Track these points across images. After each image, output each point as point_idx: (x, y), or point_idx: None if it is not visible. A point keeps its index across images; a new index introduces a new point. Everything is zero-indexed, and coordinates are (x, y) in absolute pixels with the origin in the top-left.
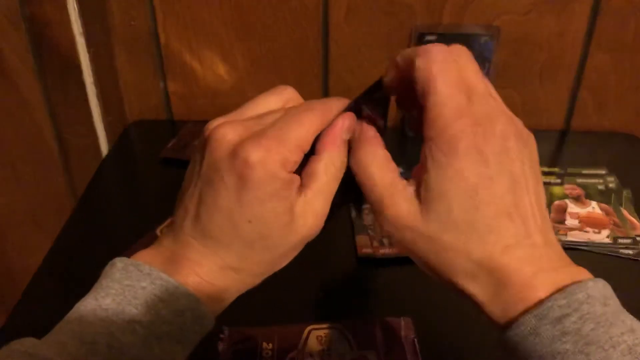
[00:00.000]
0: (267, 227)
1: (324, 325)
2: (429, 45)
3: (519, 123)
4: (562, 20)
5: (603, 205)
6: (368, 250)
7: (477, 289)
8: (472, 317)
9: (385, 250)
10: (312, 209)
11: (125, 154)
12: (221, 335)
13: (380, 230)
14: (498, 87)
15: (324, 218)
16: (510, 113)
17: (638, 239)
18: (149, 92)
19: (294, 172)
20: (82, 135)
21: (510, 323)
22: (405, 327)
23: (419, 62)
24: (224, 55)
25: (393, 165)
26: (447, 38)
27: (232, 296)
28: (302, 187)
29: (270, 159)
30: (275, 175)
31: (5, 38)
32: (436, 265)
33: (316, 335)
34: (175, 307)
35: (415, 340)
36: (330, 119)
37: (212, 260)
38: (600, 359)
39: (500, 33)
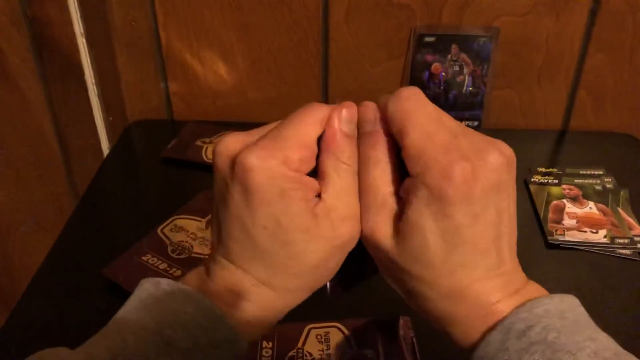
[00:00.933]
0: (284, 231)
1: (323, 324)
2: (399, 90)
3: (504, 148)
4: (560, 21)
5: (600, 205)
6: None
7: (443, 314)
8: None
9: None
10: (336, 211)
11: (126, 154)
12: None
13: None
14: (497, 88)
15: (356, 220)
16: (495, 140)
17: (635, 239)
18: (150, 92)
19: (311, 176)
20: (83, 135)
21: (478, 343)
22: (404, 326)
23: (392, 104)
24: (225, 56)
25: (394, 177)
26: (446, 39)
27: (274, 315)
28: (321, 191)
29: (269, 158)
30: (277, 174)
31: (7, 38)
32: (405, 290)
33: (315, 334)
34: (213, 338)
35: (414, 339)
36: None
37: (244, 277)
38: None
39: (499, 34)
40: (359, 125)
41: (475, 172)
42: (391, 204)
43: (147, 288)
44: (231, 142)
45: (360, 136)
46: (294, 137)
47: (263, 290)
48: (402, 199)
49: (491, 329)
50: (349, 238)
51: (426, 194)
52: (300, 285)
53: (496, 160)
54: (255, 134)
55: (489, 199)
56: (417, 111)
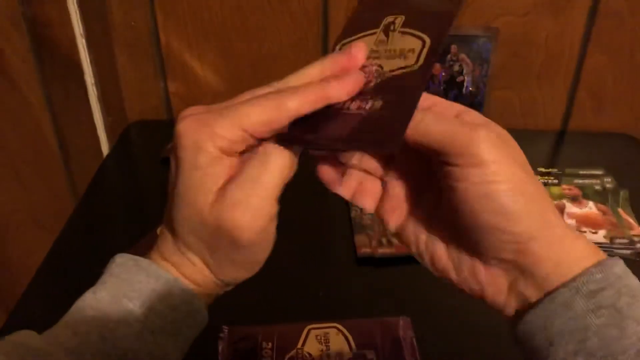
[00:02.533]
0: (193, 203)
1: (323, 325)
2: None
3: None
4: (560, 21)
5: (600, 205)
6: (367, 250)
7: (512, 258)
8: (471, 317)
9: (384, 250)
10: (245, 199)
11: (125, 154)
12: (221, 335)
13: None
14: (496, 88)
15: (262, 215)
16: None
17: (635, 239)
18: (150, 92)
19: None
20: (82, 135)
21: (537, 302)
22: (403, 326)
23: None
24: (224, 56)
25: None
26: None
27: (210, 277)
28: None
29: (200, 131)
30: (199, 147)
31: (7, 39)
32: (507, 211)
33: (315, 334)
34: (170, 302)
35: (414, 339)
36: (289, 106)
37: (176, 242)
38: (635, 333)
39: (499, 34)
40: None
41: (499, 133)
42: None
43: (106, 267)
44: (188, 110)
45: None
46: (235, 117)
47: (189, 253)
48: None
49: (560, 286)
50: (249, 228)
51: (463, 170)
52: (220, 257)
53: (500, 129)
54: (215, 106)
55: (520, 157)
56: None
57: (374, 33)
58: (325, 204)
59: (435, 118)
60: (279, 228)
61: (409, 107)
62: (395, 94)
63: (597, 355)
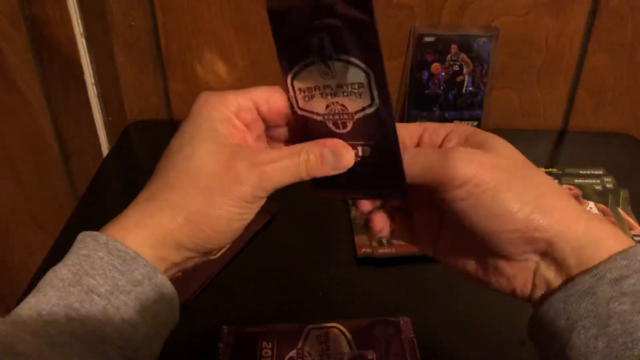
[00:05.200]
0: (198, 160)
1: (323, 325)
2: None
3: None
4: (560, 21)
5: (600, 205)
6: (367, 250)
7: (573, 215)
8: (471, 317)
9: (384, 250)
10: (255, 177)
11: (125, 154)
12: (220, 334)
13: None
14: (496, 88)
15: (263, 187)
16: None
17: (635, 239)
18: (149, 92)
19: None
20: (82, 135)
21: (559, 287)
22: (404, 326)
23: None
24: (224, 55)
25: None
26: (445, 39)
27: (176, 245)
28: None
29: (213, 95)
30: (211, 106)
31: (6, 38)
32: (532, 197)
33: (315, 334)
34: (132, 277)
35: (414, 339)
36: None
37: (144, 207)
38: None
39: (499, 34)
40: None
41: None
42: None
43: (71, 247)
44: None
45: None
46: (245, 91)
47: (162, 216)
48: None
49: (584, 272)
50: (247, 200)
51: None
52: (196, 219)
53: (485, 135)
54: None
55: (505, 159)
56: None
57: (313, 62)
58: (325, 204)
59: (411, 158)
60: (279, 228)
61: (395, 152)
62: (375, 140)
63: (618, 340)
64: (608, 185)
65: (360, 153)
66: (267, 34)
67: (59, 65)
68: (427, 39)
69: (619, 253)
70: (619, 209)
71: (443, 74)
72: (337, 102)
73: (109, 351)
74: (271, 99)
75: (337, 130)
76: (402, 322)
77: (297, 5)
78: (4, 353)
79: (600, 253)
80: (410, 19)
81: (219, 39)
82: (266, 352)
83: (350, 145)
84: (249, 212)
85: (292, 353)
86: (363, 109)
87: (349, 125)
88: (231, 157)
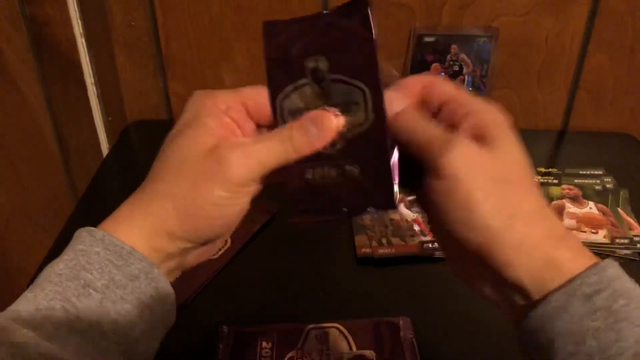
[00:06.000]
0: (184, 149)
1: (323, 325)
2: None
3: None
4: (560, 21)
5: (600, 205)
6: (367, 251)
7: (544, 232)
8: (470, 317)
9: (384, 250)
10: (239, 157)
11: (125, 154)
12: (220, 334)
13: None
14: (496, 88)
15: (252, 170)
16: None
17: (635, 239)
18: (149, 92)
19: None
20: (82, 135)
21: (537, 302)
22: (403, 326)
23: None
24: (224, 55)
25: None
26: (445, 39)
27: (171, 238)
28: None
29: (204, 93)
30: (202, 103)
31: (6, 38)
32: (505, 204)
33: (315, 334)
34: (128, 272)
35: (414, 340)
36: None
37: (141, 201)
38: (632, 335)
39: (499, 34)
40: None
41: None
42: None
43: (69, 243)
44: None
45: (391, 119)
46: (235, 91)
47: (151, 206)
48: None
49: (555, 289)
50: (237, 188)
51: (498, 119)
52: (190, 211)
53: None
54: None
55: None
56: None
57: (306, 84)
58: None
59: (414, 122)
60: (279, 228)
61: (386, 168)
62: (366, 158)
63: (595, 357)
64: (608, 185)
65: (350, 170)
66: None
67: (59, 65)
68: (427, 39)
69: (589, 268)
70: (619, 209)
71: (443, 74)
72: None
73: (106, 345)
74: (257, 98)
75: (326, 151)
76: (401, 322)
77: (294, 26)
78: (2, 344)
79: (568, 268)
80: (410, 19)
81: (219, 39)
82: (266, 352)
83: (340, 163)
84: (238, 198)
85: (292, 353)
86: (359, 125)
87: (339, 144)
88: (216, 145)
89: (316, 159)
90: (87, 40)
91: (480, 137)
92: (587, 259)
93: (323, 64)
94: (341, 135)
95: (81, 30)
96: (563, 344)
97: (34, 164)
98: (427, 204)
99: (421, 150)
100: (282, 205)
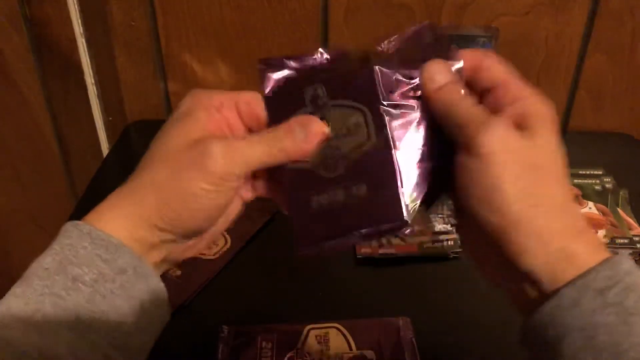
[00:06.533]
0: (171, 140)
1: (323, 325)
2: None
3: None
4: (560, 21)
5: (600, 205)
6: (367, 250)
7: (564, 223)
8: (470, 317)
9: (384, 250)
10: (224, 150)
11: (125, 154)
12: (220, 334)
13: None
14: None
15: (236, 164)
16: None
17: (635, 239)
18: (149, 92)
19: None
20: (82, 135)
21: (548, 296)
22: (403, 326)
23: (490, 58)
24: (224, 56)
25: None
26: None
27: (152, 229)
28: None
29: (198, 92)
30: (195, 100)
31: (6, 38)
32: (530, 188)
33: (315, 334)
34: (116, 265)
35: (414, 340)
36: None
37: (127, 193)
38: None
39: (499, 34)
40: (427, 82)
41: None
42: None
43: (56, 237)
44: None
45: (432, 91)
46: (235, 93)
47: (133, 196)
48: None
49: (568, 283)
50: (219, 183)
51: (544, 109)
52: (175, 206)
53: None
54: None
55: (533, 157)
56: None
57: (306, 112)
58: None
59: (458, 98)
60: (279, 228)
61: (394, 187)
62: (372, 175)
63: (605, 352)
64: (607, 185)
65: (357, 190)
66: (267, 34)
67: (58, 65)
68: None
69: (601, 263)
70: (619, 209)
71: None
72: (330, 145)
73: (98, 339)
74: (252, 102)
75: (327, 175)
76: (401, 322)
77: (290, 61)
78: None
79: (583, 262)
80: (410, 19)
81: (219, 39)
82: (266, 352)
83: (346, 185)
84: (219, 191)
85: (292, 353)
86: (360, 145)
87: (341, 167)
88: (202, 137)
89: (321, 184)
90: (87, 40)
91: (521, 125)
92: (603, 254)
93: (322, 91)
94: (344, 157)
95: (81, 30)
96: (574, 339)
97: (34, 164)
98: (455, 182)
99: (459, 126)
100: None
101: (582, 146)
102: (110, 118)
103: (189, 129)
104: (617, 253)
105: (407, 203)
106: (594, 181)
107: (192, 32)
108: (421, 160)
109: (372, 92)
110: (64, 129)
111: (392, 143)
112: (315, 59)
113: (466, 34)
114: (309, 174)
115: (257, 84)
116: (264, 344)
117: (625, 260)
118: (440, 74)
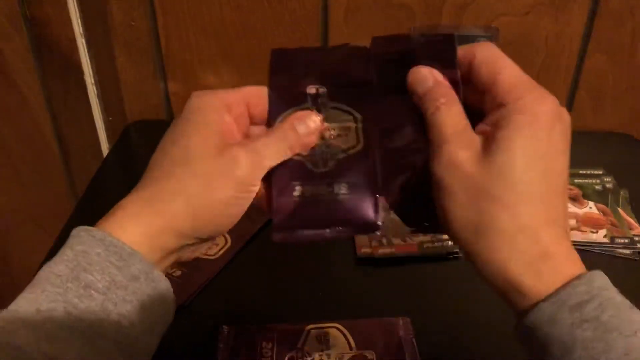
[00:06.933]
0: (192, 147)
1: (323, 325)
2: (480, 43)
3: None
4: (560, 21)
5: (600, 205)
6: (367, 250)
7: (509, 256)
8: (470, 317)
9: (384, 250)
10: (251, 157)
11: (125, 154)
12: (221, 334)
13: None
14: None
15: (257, 181)
16: None
17: (635, 239)
18: (149, 92)
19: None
20: (82, 135)
21: (528, 310)
22: (403, 326)
23: (483, 50)
24: (224, 56)
25: (467, 120)
26: None
27: (166, 236)
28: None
29: (206, 92)
30: (203, 100)
31: (6, 38)
32: (479, 222)
33: (315, 334)
34: (129, 273)
35: (414, 340)
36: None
37: (137, 199)
38: (621, 346)
39: (499, 34)
40: (416, 85)
41: (560, 114)
42: (470, 134)
43: (66, 242)
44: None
45: (424, 92)
46: (239, 89)
47: (161, 204)
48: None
49: (545, 299)
50: (244, 185)
51: (520, 118)
52: (193, 211)
53: (566, 116)
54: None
55: (565, 145)
56: (504, 55)
57: (307, 108)
58: None
59: (435, 117)
60: None
61: (370, 192)
62: (353, 177)
63: None
64: (608, 185)
65: (338, 188)
66: (267, 34)
67: (58, 65)
68: None
69: (576, 278)
70: (619, 209)
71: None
72: (322, 144)
73: (106, 346)
74: (260, 94)
75: (316, 170)
76: (401, 322)
77: (300, 55)
78: (2, 347)
79: (558, 275)
80: (410, 19)
81: (219, 39)
82: (266, 352)
83: (329, 182)
84: (246, 197)
85: (292, 353)
86: (350, 147)
87: (328, 164)
88: (225, 144)
89: (307, 176)
90: (87, 40)
91: (489, 139)
92: (576, 266)
93: (323, 92)
94: (333, 156)
95: (81, 30)
96: (554, 352)
97: (34, 164)
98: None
99: (514, 84)
100: None
101: (582, 146)
102: (110, 118)
103: (207, 135)
104: (616, 254)
105: (380, 208)
106: (594, 181)
107: (192, 32)
108: (404, 168)
109: (367, 102)
110: (64, 129)
111: (375, 150)
112: (325, 52)
113: (466, 34)
114: (298, 164)
115: (260, 80)
116: (264, 343)
117: (598, 276)
118: (422, 83)
